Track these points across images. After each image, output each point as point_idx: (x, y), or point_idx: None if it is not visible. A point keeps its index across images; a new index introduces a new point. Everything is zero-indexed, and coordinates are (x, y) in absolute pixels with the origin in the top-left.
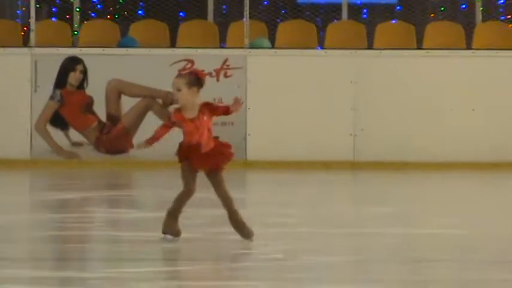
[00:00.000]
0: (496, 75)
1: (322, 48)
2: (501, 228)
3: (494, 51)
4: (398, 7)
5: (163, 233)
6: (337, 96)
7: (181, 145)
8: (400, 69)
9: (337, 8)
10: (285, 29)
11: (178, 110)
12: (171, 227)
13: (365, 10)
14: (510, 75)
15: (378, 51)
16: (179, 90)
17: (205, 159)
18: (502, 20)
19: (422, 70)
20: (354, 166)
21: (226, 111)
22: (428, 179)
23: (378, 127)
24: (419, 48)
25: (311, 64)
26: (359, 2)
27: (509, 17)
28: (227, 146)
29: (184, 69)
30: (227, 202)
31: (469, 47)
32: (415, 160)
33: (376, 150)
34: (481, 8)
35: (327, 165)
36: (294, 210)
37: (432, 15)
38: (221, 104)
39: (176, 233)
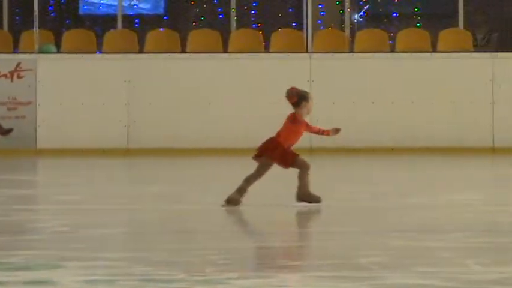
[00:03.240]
0: (251, 75)
1: (101, 52)
2: (256, 205)
3: (247, 54)
4: (165, 17)
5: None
6: (113, 93)
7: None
8: (167, 70)
9: (114, 18)
10: (69, 36)
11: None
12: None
13: (137, 20)
14: (261, 76)
15: (148, 55)
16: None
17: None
18: (253, 28)
19: (185, 70)
20: (128, 153)
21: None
22: (194, 163)
23: (149, 119)
24: (183, 51)
25: (91, 66)
26: (132, 13)
27: (259, 25)
28: None
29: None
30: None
31: (225, 50)
32: (183, 147)
33: (147, 139)
34: (235, 17)
35: (105, 152)
36: (77, 190)
37: (194, 23)
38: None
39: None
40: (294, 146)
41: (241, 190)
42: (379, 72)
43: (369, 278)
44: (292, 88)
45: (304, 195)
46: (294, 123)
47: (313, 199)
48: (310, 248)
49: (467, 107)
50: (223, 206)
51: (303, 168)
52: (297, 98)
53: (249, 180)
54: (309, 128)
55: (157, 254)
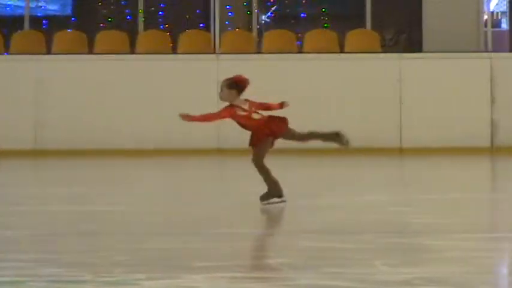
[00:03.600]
0: (159, 76)
1: (8, 53)
2: (164, 206)
3: (154, 55)
4: (73, 18)
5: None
6: (21, 94)
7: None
8: (75, 71)
9: (21, 19)
10: None
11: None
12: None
13: (45, 21)
14: (168, 77)
15: (56, 56)
16: (221, 90)
17: None
18: (161, 29)
19: (93, 71)
20: (36, 153)
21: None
22: (103, 164)
23: (57, 120)
24: (90, 52)
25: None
26: (39, 14)
27: (167, 26)
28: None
29: None
30: None
31: (133, 51)
32: (91, 148)
33: (55, 139)
34: (143, 18)
35: (10, 154)
36: None
37: (102, 24)
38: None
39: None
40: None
41: (271, 183)
42: (286, 73)
43: (279, 279)
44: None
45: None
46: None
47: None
48: (219, 249)
49: (375, 107)
50: (264, 204)
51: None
52: (243, 84)
53: (265, 170)
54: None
55: (65, 256)
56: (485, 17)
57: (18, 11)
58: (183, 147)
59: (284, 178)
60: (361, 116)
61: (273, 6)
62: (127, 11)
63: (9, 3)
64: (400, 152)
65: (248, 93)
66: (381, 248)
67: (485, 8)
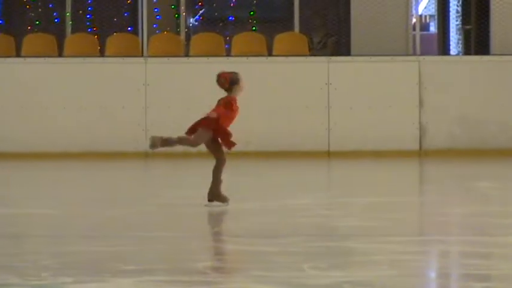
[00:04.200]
0: (86, 79)
1: None
2: (89, 209)
3: (82, 58)
4: (0, 21)
5: (210, 200)
6: None
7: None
8: (2, 74)
9: None
10: None
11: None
12: (218, 195)
13: None
14: (96, 79)
15: None
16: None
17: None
18: (89, 32)
19: (20, 74)
20: None
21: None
22: (27, 166)
23: None
24: (18, 55)
25: None
26: None
27: (95, 29)
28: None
29: None
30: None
31: (60, 54)
32: (16, 150)
33: None
34: (70, 21)
35: None
36: None
37: (30, 27)
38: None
39: (224, 199)
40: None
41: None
42: (214, 76)
43: (205, 283)
44: (222, 74)
45: (215, 194)
46: (228, 108)
47: (222, 199)
48: (143, 252)
49: (303, 111)
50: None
51: (222, 161)
52: (228, 84)
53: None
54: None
55: None
56: (414, 20)
57: None
58: (108, 150)
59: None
60: (289, 120)
61: (201, 9)
62: (55, 13)
63: None
64: (328, 155)
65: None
66: (308, 251)
67: (414, 11)
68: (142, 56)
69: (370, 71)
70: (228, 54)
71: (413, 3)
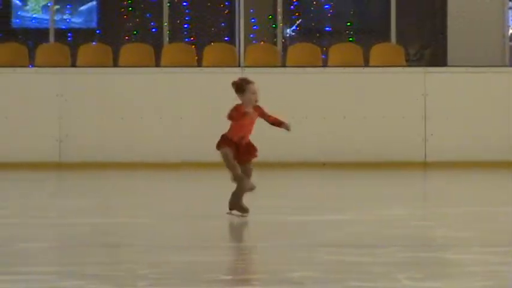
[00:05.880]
0: (184, 89)
1: (33, 66)
2: (185, 219)
3: (179, 68)
4: (98, 31)
5: (230, 209)
6: (45, 107)
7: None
8: (99, 84)
9: (46, 32)
10: (1, 50)
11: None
12: (237, 204)
13: (70, 34)
14: (193, 90)
15: (80, 69)
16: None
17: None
18: (186, 42)
19: (118, 84)
20: (60, 166)
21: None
22: (124, 176)
23: (81, 133)
24: (115, 65)
25: (23, 79)
26: (64, 27)
27: (192, 39)
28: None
29: None
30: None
31: (158, 64)
32: (114, 160)
33: (79, 153)
34: (168, 31)
35: (36, 166)
36: (6, 204)
37: (127, 37)
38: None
39: (245, 210)
40: (247, 135)
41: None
42: (311, 87)
43: None
44: (233, 81)
45: (236, 204)
46: (233, 119)
47: (243, 210)
48: (241, 262)
49: (399, 121)
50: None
51: (248, 171)
52: (235, 91)
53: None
54: (264, 116)
55: (88, 268)
56: (510, 31)
57: (43, 24)
58: (206, 160)
59: (306, 193)
60: (385, 130)
61: (297, 20)
62: (152, 23)
63: (34, 15)
64: (424, 166)
65: (273, 106)
66: (403, 261)
67: (511, 22)
68: (239, 66)
69: (467, 82)
70: (325, 65)
71: (510, 13)
